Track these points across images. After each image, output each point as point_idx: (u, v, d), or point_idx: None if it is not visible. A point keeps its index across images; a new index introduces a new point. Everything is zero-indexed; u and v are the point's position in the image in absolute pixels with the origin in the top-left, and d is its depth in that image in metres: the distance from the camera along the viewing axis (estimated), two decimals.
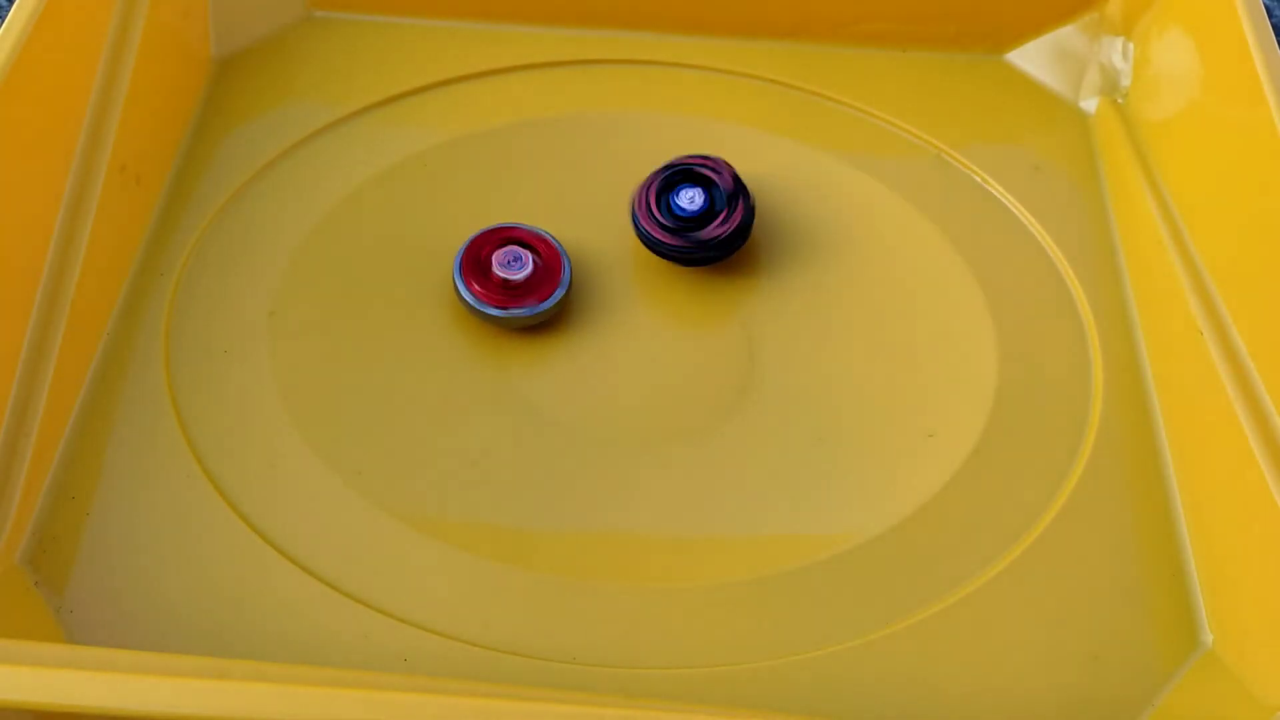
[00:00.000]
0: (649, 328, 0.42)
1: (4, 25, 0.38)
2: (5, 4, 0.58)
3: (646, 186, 0.43)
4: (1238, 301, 0.39)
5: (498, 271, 0.41)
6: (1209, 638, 0.35)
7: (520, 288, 0.41)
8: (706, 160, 0.43)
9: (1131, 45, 0.49)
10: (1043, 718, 0.34)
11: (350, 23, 0.51)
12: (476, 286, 0.41)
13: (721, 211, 0.42)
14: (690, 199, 0.42)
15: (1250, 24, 0.41)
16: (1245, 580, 0.35)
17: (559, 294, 0.41)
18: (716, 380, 0.41)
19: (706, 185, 0.43)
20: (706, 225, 0.42)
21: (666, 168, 0.43)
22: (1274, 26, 0.42)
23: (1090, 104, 0.49)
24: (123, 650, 0.29)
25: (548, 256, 0.42)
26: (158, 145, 0.45)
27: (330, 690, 0.26)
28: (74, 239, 0.40)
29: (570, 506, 0.38)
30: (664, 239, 0.42)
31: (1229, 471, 0.37)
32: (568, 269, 0.42)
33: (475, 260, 0.42)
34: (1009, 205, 0.46)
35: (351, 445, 0.39)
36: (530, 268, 0.41)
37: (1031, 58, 0.51)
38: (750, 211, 0.43)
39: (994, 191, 0.47)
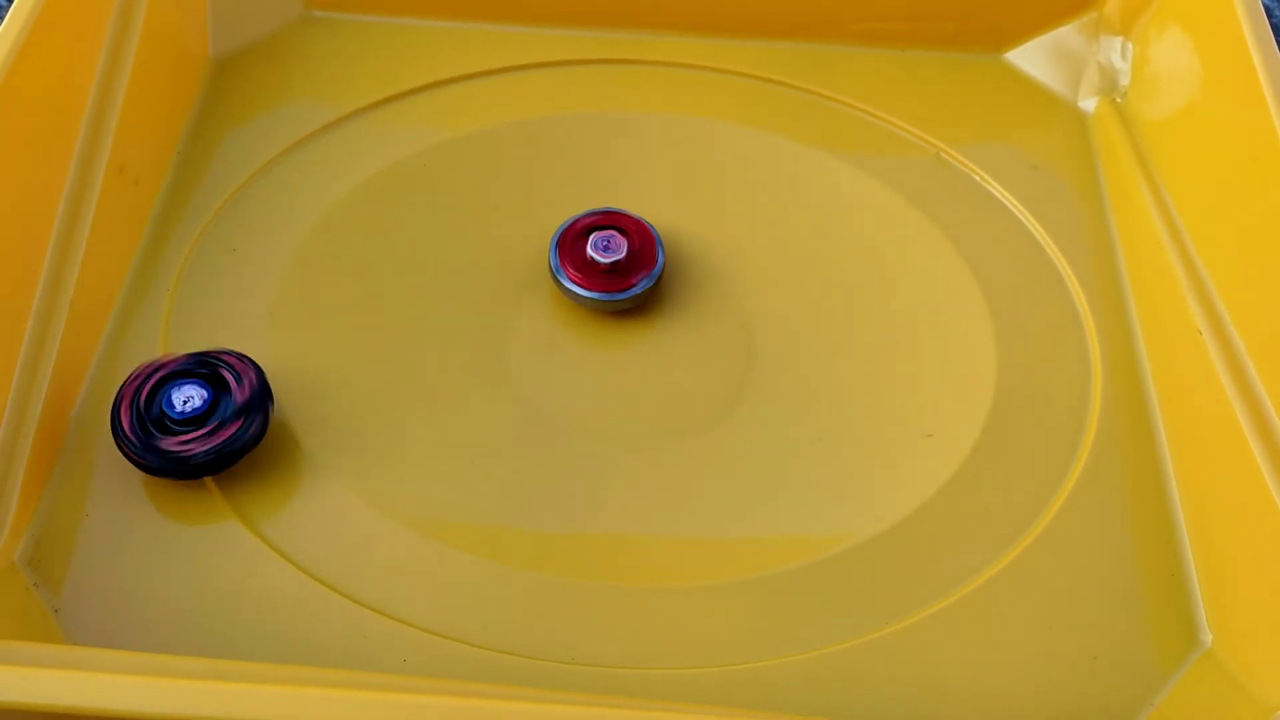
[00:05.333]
0: (648, 328, 0.42)
1: (2, 25, 0.38)
2: (4, 4, 0.58)
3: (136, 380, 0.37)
4: (1237, 301, 0.39)
5: (592, 254, 0.41)
6: (1208, 638, 0.35)
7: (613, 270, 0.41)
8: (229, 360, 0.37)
9: (1130, 45, 0.49)
10: (1042, 718, 0.34)
11: (349, 23, 0.51)
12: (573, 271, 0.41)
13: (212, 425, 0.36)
14: (186, 400, 0.36)
15: (1249, 24, 0.41)
16: (1244, 580, 0.35)
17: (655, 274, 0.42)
18: (716, 380, 0.41)
19: (216, 387, 0.37)
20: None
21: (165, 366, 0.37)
22: (1273, 26, 0.42)
23: (1089, 103, 0.49)
24: (122, 651, 0.29)
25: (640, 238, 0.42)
26: (156, 146, 0.45)
27: (330, 691, 0.26)
28: (73, 240, 0.40)
29: (570, 506, 0.38)
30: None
31: (1228, 471, 0.37)
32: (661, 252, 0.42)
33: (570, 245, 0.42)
34: (1008, 205, 0.46)
35: (351, 445, 0.39)
36: (624, 252, 0.42)
37: (1030, 57, 0.51)
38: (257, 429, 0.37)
39: (993, 191, 0.47)
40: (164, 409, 0.36)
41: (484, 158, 0.47)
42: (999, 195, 0.46)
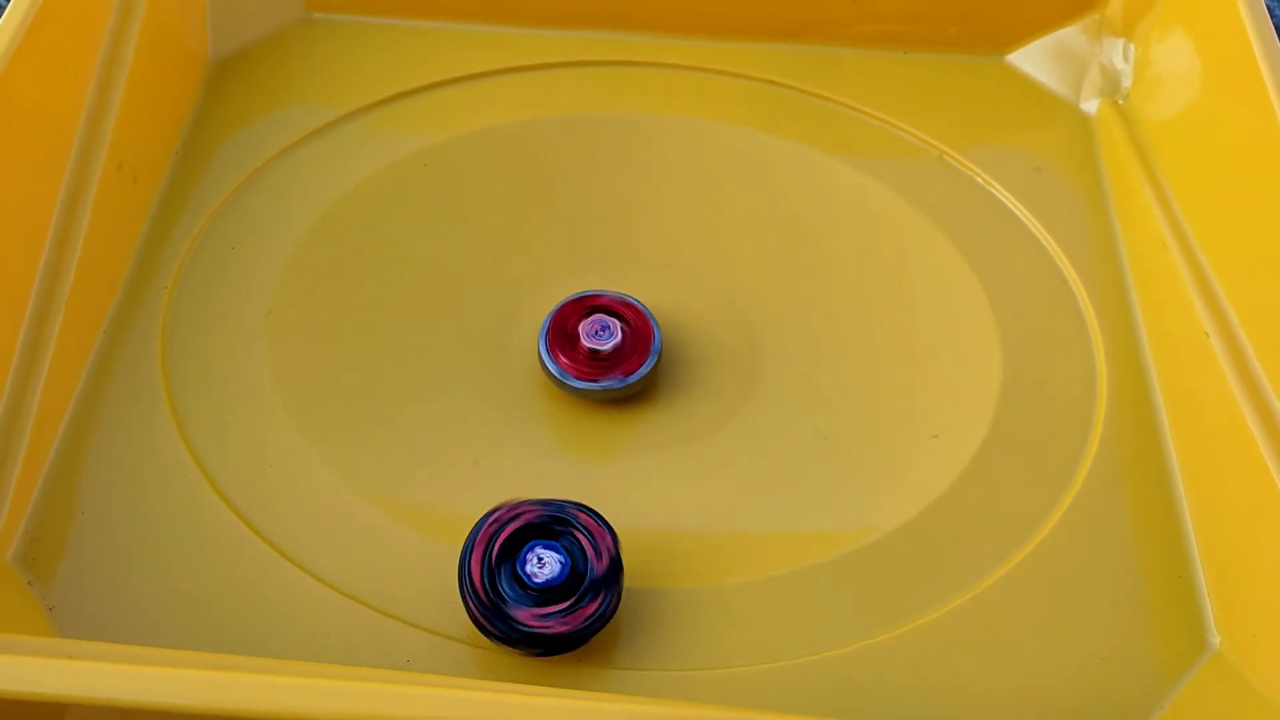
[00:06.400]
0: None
1: (0, 22, 0.38)
2: (2, 1, 0.57)
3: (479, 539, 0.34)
4: (1243, 302, 0.39)
5: (586, 342, 0.39)
6: (1216, 639, 0.35)
7: (609, 358, 0.39)
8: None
9: (1132, 46, 0.49)
10: None
11: (347, 24, 0.51)
12: (563, 358, 0.39)
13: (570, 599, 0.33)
14: (542, 564, 0.33)
15: (1252, 25, 0.41)
16: (1252, 582, 0.35)
17: (650, 362, 0.39)
18: (721, 382, 0.41)
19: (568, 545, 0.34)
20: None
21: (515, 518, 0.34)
22: (1276, 27, 0.42)
23: (1091, 105, 0.49)
24: (117, 645, 0.28)
25: (636, 324, 0.40)
26: (155, 144, 0.45)
27: (335, 683, 0.25)
28: (70, 236, 0.39)
29: None
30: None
31: (1235, 473, 0.37)
32: (658, 337, 0.40)
33: (561, 331, 0.40)
34: (1011, 207, 0.46)
35: (350, 445, 0.38)
36: (619, 337, 0.39)
37: (1032, 59, 0.51)
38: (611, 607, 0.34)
39: (996, 193, 0.46)
40: (517, 570, 0.33)
41: (484, 158, 0.47)
42: (1002, 197, 0.46)
